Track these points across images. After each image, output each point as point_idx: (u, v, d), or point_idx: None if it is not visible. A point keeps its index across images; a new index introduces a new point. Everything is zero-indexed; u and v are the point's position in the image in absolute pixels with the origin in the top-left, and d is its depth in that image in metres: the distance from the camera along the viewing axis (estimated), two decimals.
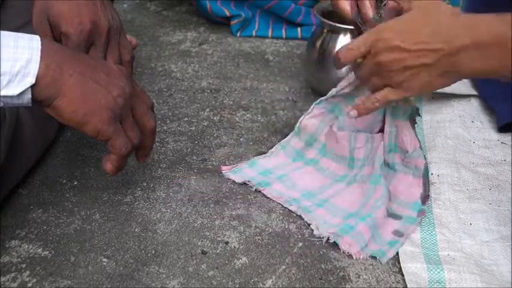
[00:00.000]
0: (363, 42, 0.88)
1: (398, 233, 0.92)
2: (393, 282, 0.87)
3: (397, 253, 0.90)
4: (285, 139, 1.08)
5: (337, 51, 0.92)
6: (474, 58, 0.81)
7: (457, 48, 0.81)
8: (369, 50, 0.88)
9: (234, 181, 1.06)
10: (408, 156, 0.95)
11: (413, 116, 0.97)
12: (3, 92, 0.72)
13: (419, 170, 0.95)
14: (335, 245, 0.93)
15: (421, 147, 0.95)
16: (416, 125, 0.98)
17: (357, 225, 0.92)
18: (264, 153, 1.13)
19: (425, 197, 0.95)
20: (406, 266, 0.88)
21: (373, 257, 0.90)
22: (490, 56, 0.80)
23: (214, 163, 1.11)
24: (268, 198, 1.02)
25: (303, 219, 0.98)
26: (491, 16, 0.81)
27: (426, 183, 0.96)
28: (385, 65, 0.86)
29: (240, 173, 1.03)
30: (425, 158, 0.96)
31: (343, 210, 0.97)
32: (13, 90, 0.72)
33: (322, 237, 0.93)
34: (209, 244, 0.93)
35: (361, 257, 0.90)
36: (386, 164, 0.98)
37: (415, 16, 0.85)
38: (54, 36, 0.87)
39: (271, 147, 1.14)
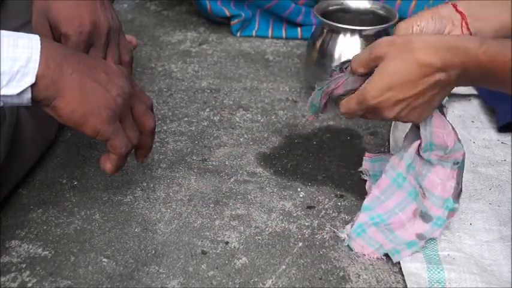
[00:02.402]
0: (358, 108, 0.88)
1: (421, 236, 0.90)
2: (393, 282, 0.87)
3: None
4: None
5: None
6: (470, 82, 0.84)
7: (455, 78, 0.82)
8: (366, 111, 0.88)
9: (234, 181, 1.06)
10: (449, 152, 0.90)
11: (441, 110, 0.92)
12: (3, 92, 0.72)
13: (457, 162, 0.91)
14: (335, 245, 0.93)
15: (459, 140, 0.90)
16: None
17: (368, 228, 0.91)
18: (264, 153, 1.13)
19: (458, 192, 0.91)
20: (406, 266, 0.88)
21: (378, 258, 0.90)
22: (482, 83, 0.84)
23: (214, 163, 1.11)
24: (268, 198, 1.02)
25: (303, 219, 0.98)
26: (475, 46, 0.80)
27: (460, 176, 0.91)
28: (396, 118, 0.86)
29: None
30: (463, 149, 0.91)
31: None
32: (13, 89, 0.72)
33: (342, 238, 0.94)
34: (209, 244, 0.93)
35: (375, 256, 0.90)
36: (423, 160, 0.93)
37: (395, 64, 0.84)
38: (54, 36, 0.87)
39: (271, 147, 1.14)
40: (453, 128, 0.90)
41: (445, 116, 0.91)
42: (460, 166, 0.91)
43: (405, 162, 0.91)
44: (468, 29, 0.92)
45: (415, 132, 0.93)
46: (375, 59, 0.85)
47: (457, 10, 0.92)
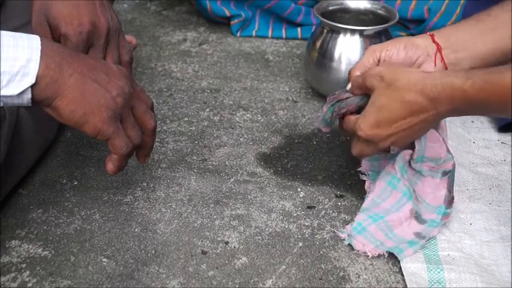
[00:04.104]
0: (356, 139, 0.91)
1: (420, 236, 0.91)
2: (393, 282, 0.87)
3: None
4: None
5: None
6: (458, 114, 0.87)
7: (444, 113, 0.84)
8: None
9: (234, 181, 1.06)
10: (441, 163, 0.92)
11: None
12: (3, 92, 0.72)
13: (447, 173, 0.93)
14: (335, 245, 0.93)
15: (449, 150, 0.93)
16: None
17: (369, 226, 0.92)
18: (264, 153, 1.13)
19: (450, 200, 0.93)
20: (406, 266, 0.88)
21: (378, 257, 0.90)
22: (472, 113, 0.88)
23: (214, 163, 1.11)
24: (268, 198, 1.02)
25: (303, 219, 0.98)
26: (460, 81, 0.81)
27: (451, 185, 0.93)
28: (389, 145, 0.89)
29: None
30: (453, 159, 0.93)
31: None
32: (13, 89, 0.72)
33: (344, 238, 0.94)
34: (209, 244, 0.93)
35: (377, 253, 0.90)
36: (413, 170, 0.96)
37: (383, 102, 0.86)
38: (53, 37, 0.87)
39: (271, 147, 1.15)
40: (443, 139, 0.92)
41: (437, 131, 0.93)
42: (450, 176, 0.93)
43: (398, 165, 0.93)
44: (442, 60, 0.93)
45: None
46: (365, 87, 0.89)
47: (433, 41, 0.94)
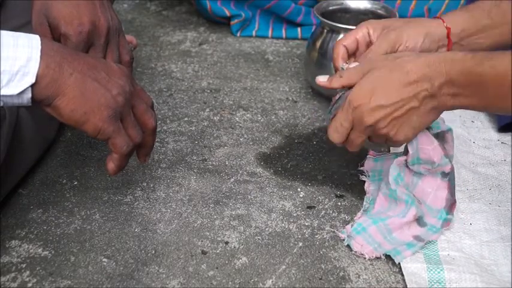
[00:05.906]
0: (344, 118, 0.89)
1: (419, 238, 0.91)
2: (393, 282, 0.87)
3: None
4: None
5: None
6: (454, 95, 0.83)
7: (438, 87, 0.83)
8: (352, 123, 0.89)
9: (234, 181, 1.06)
10: (436, 167, 0.92)
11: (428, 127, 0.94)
12: (3, 91, 0.72)
13: (446, 175, 0.93)
14: (335, 245, 0.93)
15: (446, 155, 0.92)
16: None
17: (368, 227, 0.92)
18: (264, 153, 1.13)
19: (452, 204, 0.93)
20: (406, 266, 0.88)
21: (378, 258, 0.90)
22: (468, 94, 0.82)
23: (214, 163, 1.11)
24: (268, 198, 1.02)
25: (303, 219, 0.98)
26: (463, 54, 0.82)
27: (452, 188, 0.93)
28: (375, 125, 0.87)
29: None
30: (450, 163, 0.93)
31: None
32: (13, 89, 0.72)
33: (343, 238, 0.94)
34: (209, 244, 0.93)
35: (374, 256, 0.90)
36: (412, 171, 0.95)
37: (383, 72, 0.86)
38: (53, 37, 0.87)
39: (271, 147, 1.15)
40: (440, 145, 0.92)
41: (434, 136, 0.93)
42: (450, 179, 0.93)
43: (391, 177, 0.93)
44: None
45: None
46: (366, 71, 0.88)
47: (448, 36, 0.95)
